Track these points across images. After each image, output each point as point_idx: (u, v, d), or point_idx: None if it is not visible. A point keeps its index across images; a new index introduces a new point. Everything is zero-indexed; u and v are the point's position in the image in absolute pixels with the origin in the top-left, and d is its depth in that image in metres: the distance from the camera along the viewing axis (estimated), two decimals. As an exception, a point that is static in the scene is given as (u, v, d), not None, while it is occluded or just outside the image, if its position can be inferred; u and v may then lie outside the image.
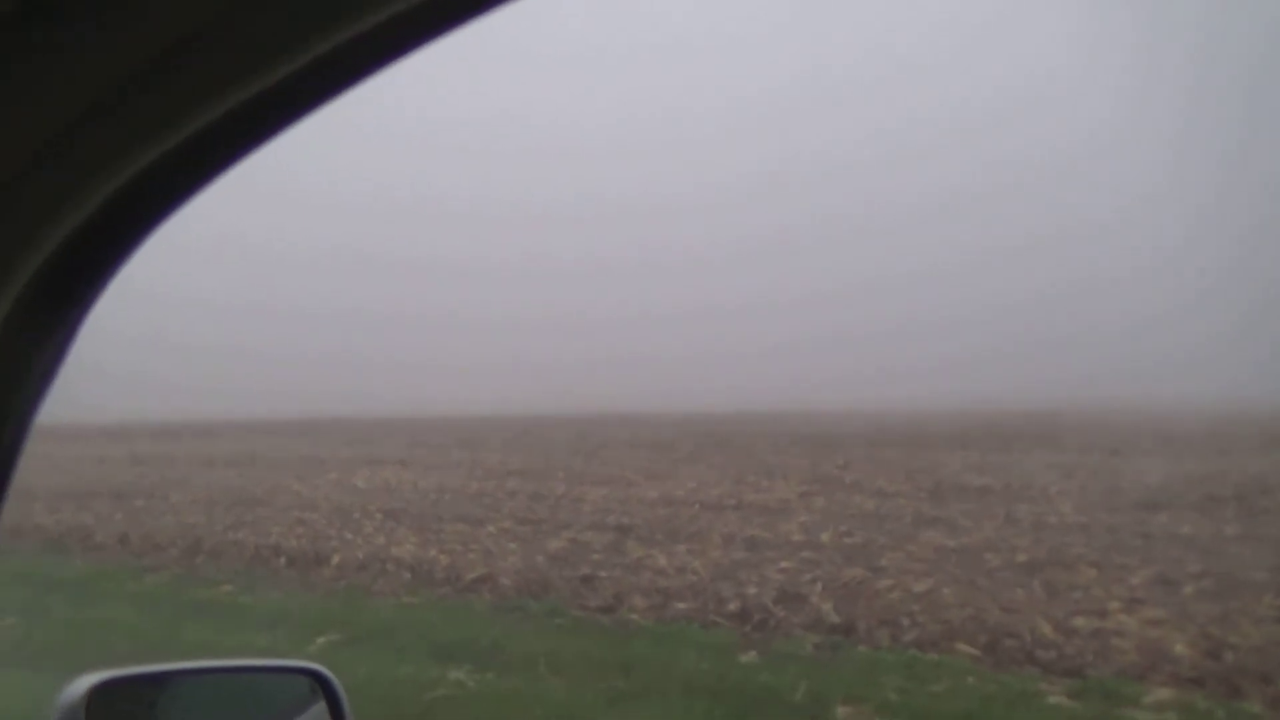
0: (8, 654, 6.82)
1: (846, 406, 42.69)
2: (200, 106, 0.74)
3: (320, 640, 7.68)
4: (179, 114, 0.74)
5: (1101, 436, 25.10)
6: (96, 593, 9.81)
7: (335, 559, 10.91)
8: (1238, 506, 12.75)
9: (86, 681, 1.27)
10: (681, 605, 8.62)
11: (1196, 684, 6.31)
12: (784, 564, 10.04)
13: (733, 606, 8.48)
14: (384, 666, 6.79)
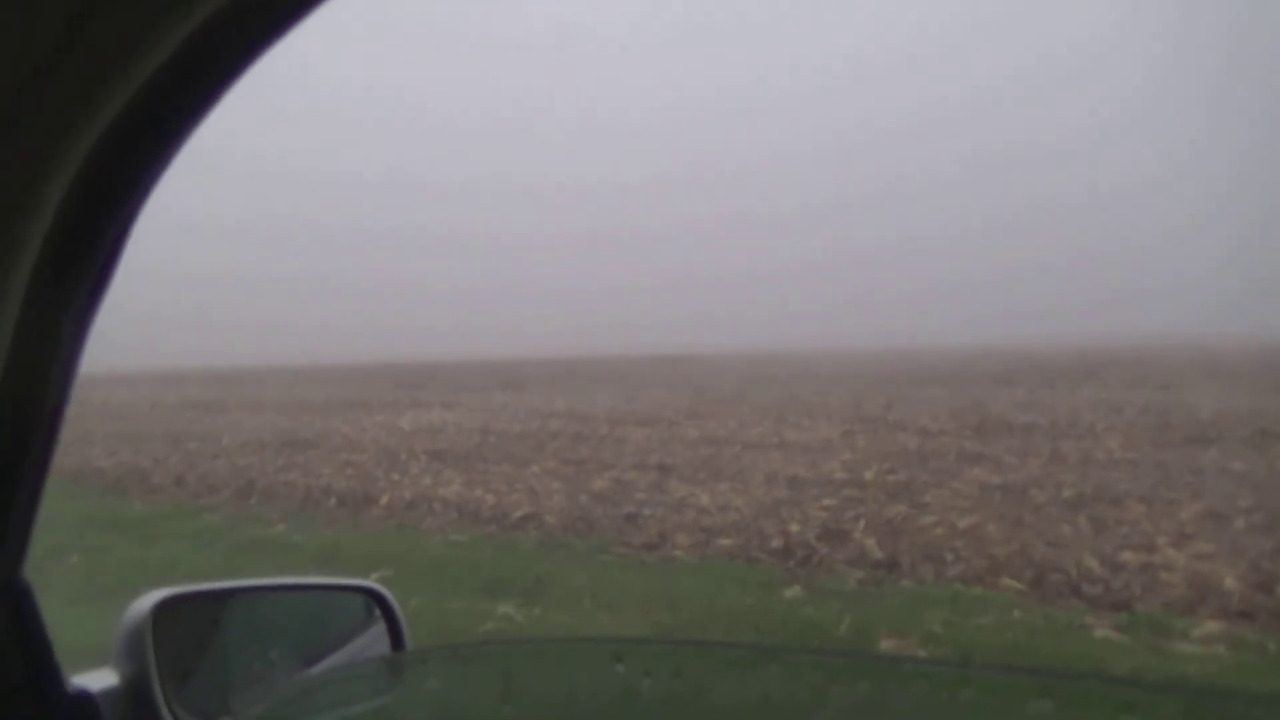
0: (74, 590, 7.07)
1: (890, 346, 42.26)
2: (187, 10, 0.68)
3: (372, 576, 7.81)
4: (160, 27, 0.68)
5: (1150, 372, 24.69)
6: (155, 532, 10.12)
7: (384, 499, 11.13)
8: (1292, 441, 12.51)
9: (153, 597, 1.31)
10: (725, 542, 8.68)
11: (1246, 618, 6.25)
12: (827, 501, 10.05)
13: (776, 543, 8.53)
14: (435, 600, 6.94)
